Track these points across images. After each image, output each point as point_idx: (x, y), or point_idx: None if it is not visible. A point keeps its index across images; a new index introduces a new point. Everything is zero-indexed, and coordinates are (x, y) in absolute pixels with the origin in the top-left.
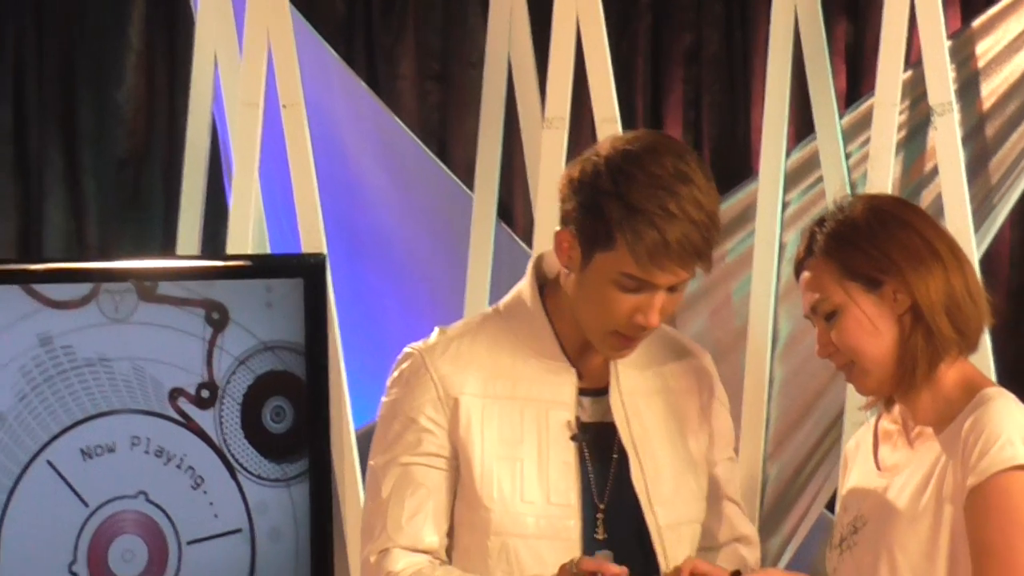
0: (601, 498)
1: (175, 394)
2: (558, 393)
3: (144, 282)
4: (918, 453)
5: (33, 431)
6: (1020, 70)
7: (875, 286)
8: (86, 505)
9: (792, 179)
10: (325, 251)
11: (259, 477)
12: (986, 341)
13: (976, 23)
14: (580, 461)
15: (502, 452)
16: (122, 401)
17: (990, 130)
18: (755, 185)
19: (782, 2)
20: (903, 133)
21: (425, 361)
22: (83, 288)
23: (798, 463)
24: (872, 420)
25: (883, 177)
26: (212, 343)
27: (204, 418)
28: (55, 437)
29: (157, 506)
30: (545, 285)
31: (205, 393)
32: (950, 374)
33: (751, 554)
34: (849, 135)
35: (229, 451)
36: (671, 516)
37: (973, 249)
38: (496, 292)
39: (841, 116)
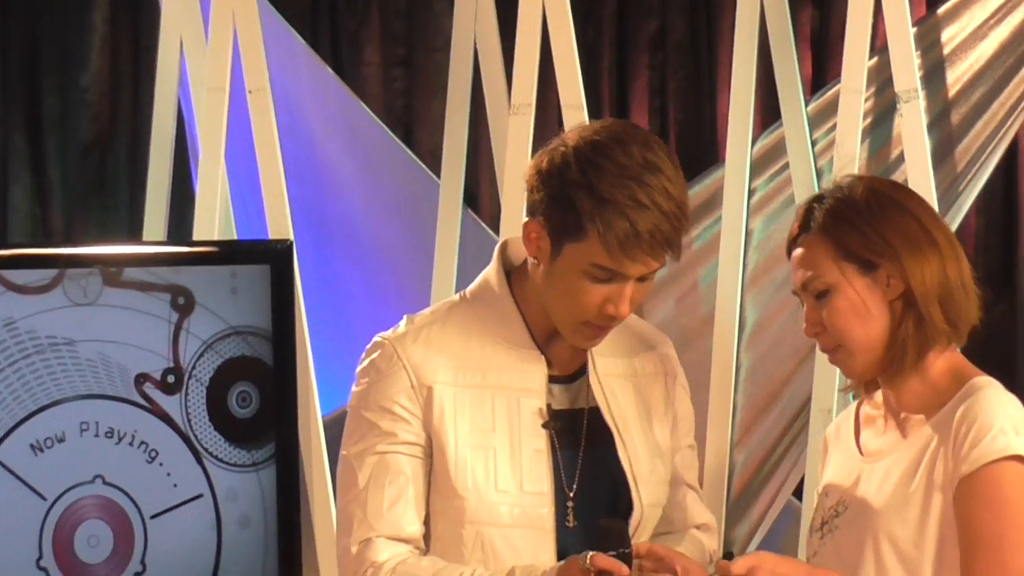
0: (571, 486)
1: (141, 379)
2: (528, 381)
3: (110, 268)
4: (905, 439)
5: None
6: (985, 57)
7: (870, 269)
8: (44, 499)
9: (758, 166)
10: (292, 237)
11: (225, 462)
12: None
13: (941, 10)
14: (551, 449)
15: (475, 441)
16: (87, 386)
17: (956, 117)
18: (721, 172)
19: None
20: (869, 120)
21: (397, 350)
22: (48, 274)
23: (765, 450)
24: (853, 405)
25: (849, 164)
26: (178, 326)
27: (170, 404)
28: (3, 437)
29: (115, 487)
30: (511, 272)
31: (171, 379)
32: (938, 362)
33: (710, 541)
34: (815, 122)
35: (195, 436)
36: (651, 497)
37: None
38: (463, 278)
39: (807, 103)
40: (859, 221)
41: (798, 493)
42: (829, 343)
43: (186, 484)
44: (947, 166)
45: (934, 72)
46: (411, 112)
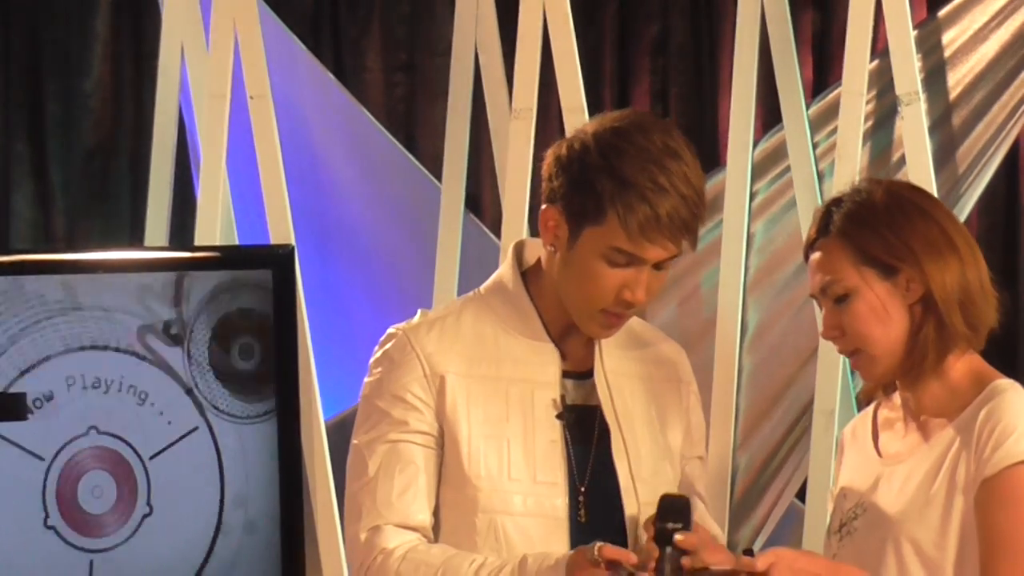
0: (582, 481)
1: (143, 331)
2: (543, 373)
3: (111, 273)
4: (927, 442)
5: None
6: (986, 59)
7: (890, 273)
8: (41, 459)
9: (760, 169)
10: (293, 242)
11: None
12: None
13: (942, 12)
14: (564, 442)
15: (488, 431)
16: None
17: (957, 119)
18: (723, 175)
19: None
20: (870, 123)
21: (410, 340)
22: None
23: (768, 453)
24: (870, 407)
25: (850, 167)
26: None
27: (173, 354)
28: None
29: (110, 434)
30: (526, 272)
31: (174, 329)
32: (958, 365)
33: None
34: (816, 125)
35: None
36: (650, 496)
37: None
38: (464, 283)
39: (808, 106)
40: (879, 225)
41: (801, 495)
42: (848, 347)
43: (180, 421)
44: (948, 168)
45: (935, 75)
46: (412, 117)
